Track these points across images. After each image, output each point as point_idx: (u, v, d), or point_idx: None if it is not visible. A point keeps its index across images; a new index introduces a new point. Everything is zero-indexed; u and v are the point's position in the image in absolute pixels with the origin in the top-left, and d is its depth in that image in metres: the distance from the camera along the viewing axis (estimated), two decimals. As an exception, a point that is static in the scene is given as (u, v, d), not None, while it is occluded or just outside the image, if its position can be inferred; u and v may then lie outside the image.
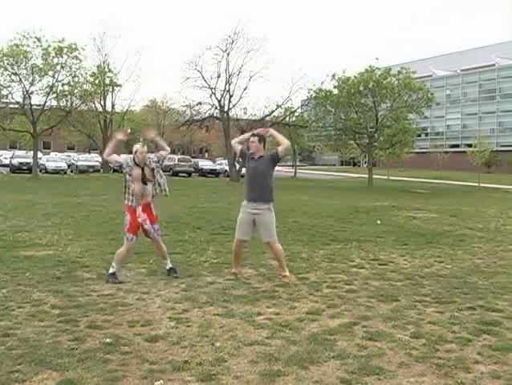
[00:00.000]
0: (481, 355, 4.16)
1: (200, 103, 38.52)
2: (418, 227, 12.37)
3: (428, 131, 75.06)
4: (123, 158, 6.66)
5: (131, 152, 6.71)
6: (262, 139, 6.81)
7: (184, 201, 17.37)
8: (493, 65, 69.47)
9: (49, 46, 30.84)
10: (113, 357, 3.98)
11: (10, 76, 30.99)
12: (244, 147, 7.05)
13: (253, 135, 6.88)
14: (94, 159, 45.53)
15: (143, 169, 6.56)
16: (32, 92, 31.77)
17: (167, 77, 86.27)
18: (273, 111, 39.77)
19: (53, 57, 31.01)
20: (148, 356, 4.01)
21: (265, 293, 5.89)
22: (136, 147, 6.67)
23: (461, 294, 6.01)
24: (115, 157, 6.71)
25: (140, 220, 6.47)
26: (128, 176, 6.55)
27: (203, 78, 37.45)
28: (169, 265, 6.73)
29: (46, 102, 32.32)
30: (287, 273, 6.65)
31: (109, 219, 12.09)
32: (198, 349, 4.19)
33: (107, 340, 4.30)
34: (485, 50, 69.40)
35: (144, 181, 6.56)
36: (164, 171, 7.07)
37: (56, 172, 38.09)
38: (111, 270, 6.41)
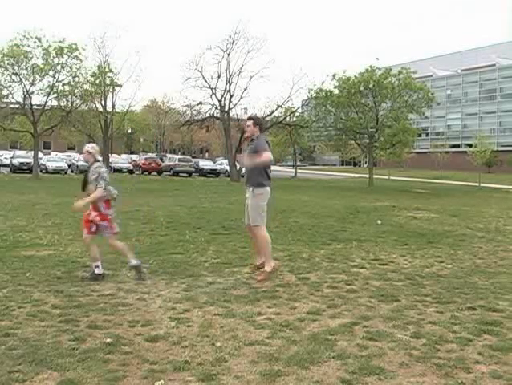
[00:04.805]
0: (482, 355, 4.15)
1: (200, 103, 38.60)
2: (419, 227, 12.36)
3: (429, 131, 75.00)
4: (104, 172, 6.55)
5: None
6: (256, 122, 6.76)
7: (184, 201, 17.38)
8: (494, 65, 69.40)
9: (49, 46, 30.86)
10: (114, 357, 3.98)
11: (10, 76, 31.01)
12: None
13: (249, 118, 6.91)
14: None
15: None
16: (32, 92, 31.81)
17: (167, 77, 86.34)
18: (273, 111, 39.81)
19: (53, 57, 31.02)
20: (148, 356, 4.01)
21: (265, 293, 5.88)
22: (92, 145, 6.76)
23: (461, 294, 6.00)
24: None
25: (90, 217, 6.46)
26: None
27: (203, 78, 37.55)
28: (133, 263, 6.47)
29: (46, 102, 32.34)
30: (268, 269, 6.40)
31: (109, 219, 12.08)
32: (199, 349, 4.19)
33: (108, 340, 4.29)
34: (485, 50, 69.38)
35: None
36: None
37: (57, 172, 38.15)
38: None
